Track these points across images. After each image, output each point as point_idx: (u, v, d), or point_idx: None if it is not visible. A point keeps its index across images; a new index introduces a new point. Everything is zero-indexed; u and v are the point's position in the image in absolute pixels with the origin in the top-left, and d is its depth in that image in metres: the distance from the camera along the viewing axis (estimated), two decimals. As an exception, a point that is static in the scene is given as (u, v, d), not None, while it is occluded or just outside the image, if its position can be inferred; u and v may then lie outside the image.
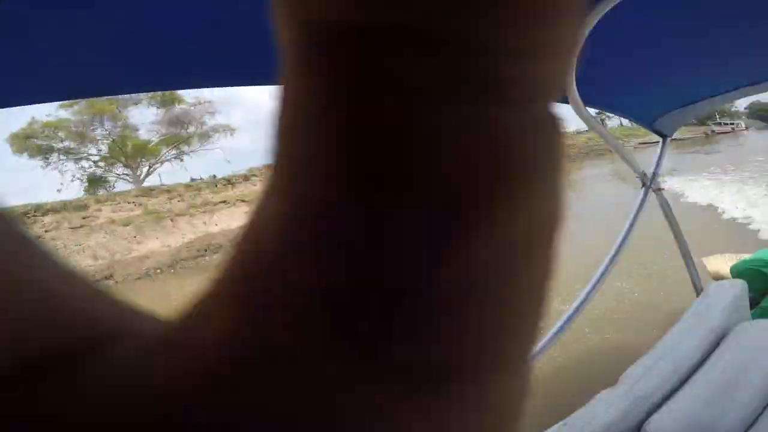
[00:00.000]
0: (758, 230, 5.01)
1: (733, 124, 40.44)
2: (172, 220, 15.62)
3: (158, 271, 13.71)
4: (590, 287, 1.08)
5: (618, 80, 1.12)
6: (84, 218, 14.56)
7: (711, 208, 6.86)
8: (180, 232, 15.18)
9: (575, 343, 3.42)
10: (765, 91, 1.50)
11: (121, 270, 12.89)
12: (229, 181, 19.14)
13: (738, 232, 5.24)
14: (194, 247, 14.77)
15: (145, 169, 22.83)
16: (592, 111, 1.14)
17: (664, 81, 1.24)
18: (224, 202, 17.61)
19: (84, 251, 13.20)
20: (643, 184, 1.49)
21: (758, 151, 15.49)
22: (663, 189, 1.59)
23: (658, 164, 1.59)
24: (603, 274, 1.12)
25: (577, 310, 1.05)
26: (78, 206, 15.02)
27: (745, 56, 1.10)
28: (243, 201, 17.87)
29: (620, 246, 1.20)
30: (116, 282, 12.43)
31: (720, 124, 39.20)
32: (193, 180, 19.87)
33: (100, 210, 15.14)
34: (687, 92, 1.40)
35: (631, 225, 1.28)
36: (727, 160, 14.00)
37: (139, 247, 13.90)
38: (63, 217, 14.28)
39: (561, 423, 0.86)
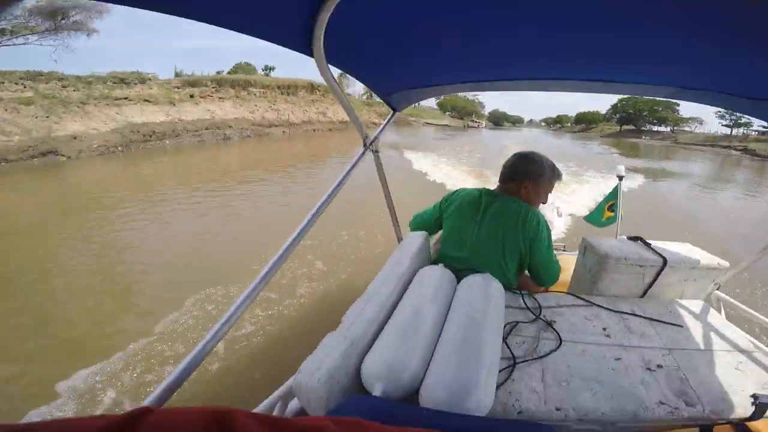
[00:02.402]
0: (445, 184, 9.09)
1: (479, 122, 70.11)
2: (78, 107, 15.47)
3: (115, 149, 14.26)
4: (302, 225, 1.07)
5: (365, 50, 1.14)
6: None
7: (423, 173, 10.70)
8: (98, 118, 15.42)
9: (309, 283, 3.87)
10: (487, 90, 1.74)
11: (64, 147, 13.12)
12: (123, 80, 18.89)
13: (434, 188, 8.89)
14: (128, 132, 15.53)
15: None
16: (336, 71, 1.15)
17: (404, 62, 1.31)
18: (126, 98, 17.80)
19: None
20: (364, 144, 1.54)
21: (476, 142, 25.55)
22: (378, 151, 1.67)
23: (381, 130, 1.67)
24: (314, 214, 1.11)
25: (291, 245, 1.03)
26: None
27: (477, 56, 1.27)
28: (146, 101, 18.39)
29: (332, 192, 1.20)
30: (68, 158, 12.83)
31: (473, 121, 69.88)
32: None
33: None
34: (420, 77, 1.56)
35: (345, 176, 1.28)
36: (459, 143, 23.18)
37: (58, 127, 13.87)
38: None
39: (295, 374, 0.86)
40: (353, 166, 1.38)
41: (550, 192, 1.56)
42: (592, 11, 0.88)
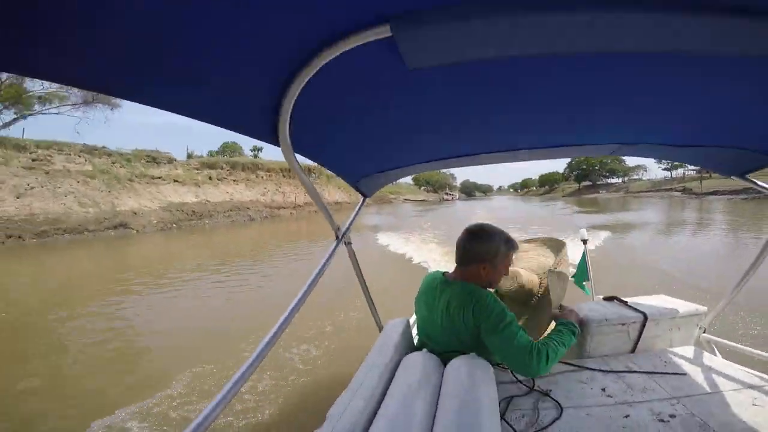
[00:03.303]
0: (428, 268, 8.13)
1: (452, 194, 79.90)
2: (128, 183, 17.20)
3: (171, 225, 15.70)
4: (280, 322, 1.00)
5: (329, 138, 1.15)
6: (33, 161, 14.54)
7: (404, 256, 9.78)
8: (144, 196, 17.13)
9: (289, 387, 3.43)
10: (450, 167, 1.75)
11: (132, 221, 14.62)
12: (154, 159, 20.93)
13: (419, 271, 7.95)
14: (174, 211, 17.25)
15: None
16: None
17: (365, 149, 1.32)
18: (160, 177, 19.72)
19: (66, 195, 13.87)
20: (336, 237, 1.50)
21: (449, 215, 24.56)
22: (351, 243, 1.64)
23: (352, 220, 1.64)
24: (292, 311, 1.05)
25: (266, 346, 0.94)
26: (17, 145, 14.66)
27: (436, 136, 1.32)
28: (176, 181, 20.37)
29: (306, 291, 1.13)
30: (137, 231, 14.25)
31: (447, 194, 78.59)
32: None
33: (50, 156, 15.14)
34: (386, 161, 1.56)
35: (319, 272, 1.22)
36: (438, 216, 23.52)
37: (119, 201, 15.43)
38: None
39: None
40: (327, 261, 1.31)
41: (510, 265, 1.46)
42: (542, 98, 0.99)
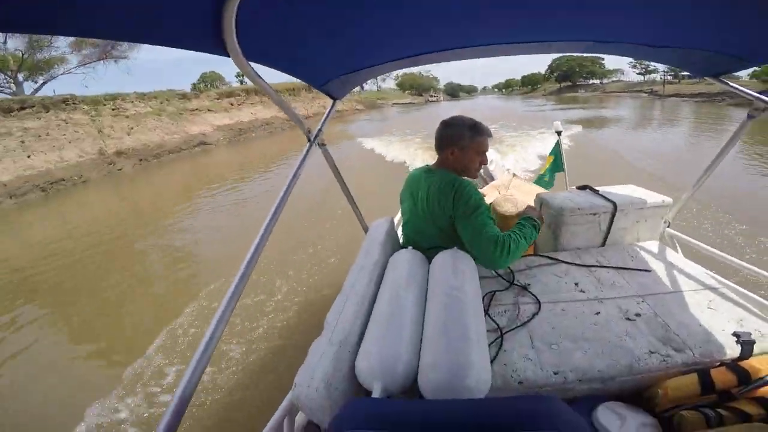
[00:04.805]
0: (406, 164, 9.69)
1: (437, 96, 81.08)
2: (182, 116, 21.24)
3: (233, 139, 20.39)
4: (260, 234, 0.95)
5: (286, 42, 1.06)
6: (113, 110, 18.49)
7: (380, 155, 11.42)
8: (199, 123, 21.30)
9: (292, 296, 3.74)
10: (418, 64, 1.62)
11: (209, 140, 19.17)
12: (185, 96, 24.46)
13: (393, 168, 9.43)
14: (244, 125, 22.27)
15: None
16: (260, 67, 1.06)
17: (332, 48, 1.24)
18: (197, 109, 23.58)
19: (153, 130, 18.17)
20: (308, 140, 1.45)
21: (434, 115, 27.16)
22: (325, 144, 1.59)
23: (324, 122, 1.59)
24: (270, 220, 1.00)
25: (251, 259, 0.91)
26: (95, 101, 18.48)
27: (404, 30, 1.21)
28: (209, 110, 24.21)
29: (282, 197, 1.09)
30: (214, 145, 18.90)
31: (432, 95, 79.93)
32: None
33: (122, 104, 19.04)
34: (349, 62, 1.48)
35: (294, 176, 1.17)
36: (425, 116, 28.49)
37: (187, 129, 19.72)
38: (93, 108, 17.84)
39: (292, 388, 0.85)
40: (300, 165, 1.26)
41: (484, 151, 1.46)
42: None
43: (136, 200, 10.26)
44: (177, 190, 10.82)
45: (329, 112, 1.74)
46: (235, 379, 2.82)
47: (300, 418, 1.02)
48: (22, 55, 22.74)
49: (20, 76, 23.01)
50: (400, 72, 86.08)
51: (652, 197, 1.74)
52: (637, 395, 1.01)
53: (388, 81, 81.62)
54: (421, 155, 10.79)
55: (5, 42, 22.62)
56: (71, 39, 24.59)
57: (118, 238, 6.68)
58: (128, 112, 18.77)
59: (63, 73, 25.37)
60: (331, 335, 0.96)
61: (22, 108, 14.61)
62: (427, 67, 78.68)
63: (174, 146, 17.88)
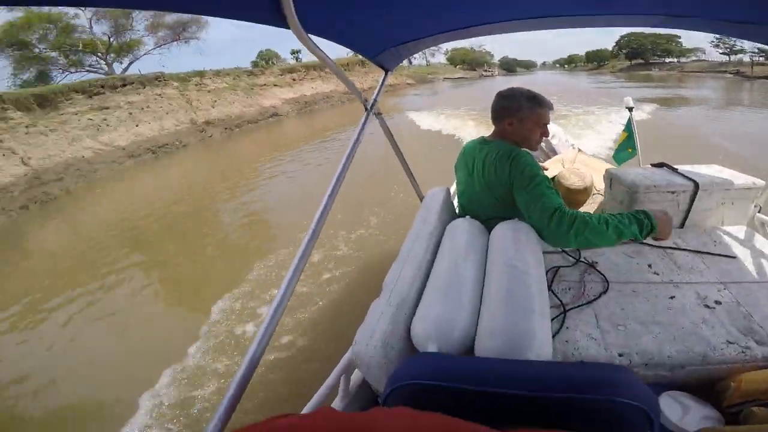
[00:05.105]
0: (460, 139, 9.62)
1: (492, 71, 76.96)
2: (253, 90, 22.55)
3: (300, 111, 21.64)
4: (324, 203, 1.02)
5: (343, 14, 1.10)
6: (197, 86, 20.00)
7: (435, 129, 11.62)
8: (269, 97, 22.53)
9: (345, 255, 4.03)
10: (472, 36, 1.63)
11: (280, 111, 20.43)
12: (252, 73, 25.78)
13: (448, 143, 9.25)
14: (307, 98, 23.24)
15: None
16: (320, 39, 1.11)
17: (386, 20, 1.28)
18: (265, 85, 24.84)
19: (233, 104, 19.60)
20: (366, 109, 1.50)
21: (488, 89, 24.84)
22: (381, 113, 1.62)
23: (378, 92, 1.63)
24: (333, 188, 1.07)
25: (318, 223, 0.98)
26: (180, 78, 20.04)
27: (448, 6, 1.24)
28: (275, 85, 25.43)
29: (345, 163, 1.15)
30: (285, 116, 20.15)
31: (486, 70, 76.25)
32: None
33: (203, 80, 20.57)
34: (402, 34, 1.51)
35: (354, 144, 1.25)
36: (477, 90, 28.50)
37: (259, 102, 21.01)
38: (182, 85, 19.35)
39: (351, 346, 0.85)
40: (360, 134, 1.31)
41: (545, 123, 1.41)
42: None
43: (237, 158, 11.75)
44: (280, 143, 12.78)
45: (382, 82, 1.78)
46: (297, 346, 3.05)
47: (356, 377, 1.05)
48: (109, 38, 25.28)
49: (109, 58, 25.57)
50: (450, 46, 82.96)
51: (740, 178, 1.58)
52: (705, 387, 0.93)
53: (438, 56, 78.60)
54: (474, 127, 10.82)
55: (91, 27, 25.12)
56: (147, 22, 26.89)
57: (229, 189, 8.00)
58: (209, 87, 20.34)
59: (144, 54, 27.86)
60: (390, 296, 0.97)
61: (124, 85, 16.42)
62: (480, 40, 75.41)
63: (251, 117, 19.32)
